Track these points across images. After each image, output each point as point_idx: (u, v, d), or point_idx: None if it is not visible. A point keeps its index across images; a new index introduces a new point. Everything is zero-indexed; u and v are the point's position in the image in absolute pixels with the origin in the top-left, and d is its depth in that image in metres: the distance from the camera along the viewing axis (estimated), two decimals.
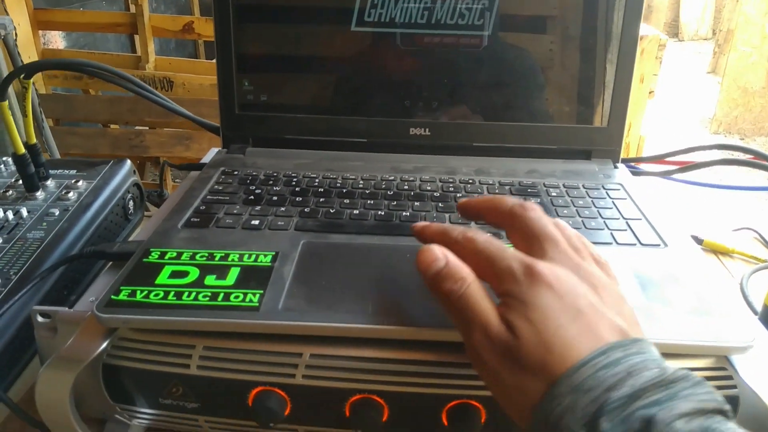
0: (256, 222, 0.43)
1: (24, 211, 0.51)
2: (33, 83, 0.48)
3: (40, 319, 0.36)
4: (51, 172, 0.57)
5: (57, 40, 2.13)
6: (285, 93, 0.56)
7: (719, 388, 0.34)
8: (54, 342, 0.36)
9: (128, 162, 0.60)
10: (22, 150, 0.51)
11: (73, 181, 0.56)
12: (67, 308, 0.36)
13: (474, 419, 0.34)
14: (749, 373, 0.33)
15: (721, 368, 0.34)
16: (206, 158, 0.57)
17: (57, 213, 0.51)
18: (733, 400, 0.35)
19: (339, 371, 0.34)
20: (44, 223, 0.50)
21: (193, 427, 0.37)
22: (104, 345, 0.34)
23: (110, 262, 0.43)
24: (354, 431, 0.35)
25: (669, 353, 0.34)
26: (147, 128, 1.81)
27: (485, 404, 0.34)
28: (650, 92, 1.29)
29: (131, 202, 0.58)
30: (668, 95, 3.84)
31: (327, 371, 0.34)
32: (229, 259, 0.38)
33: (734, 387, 0.35)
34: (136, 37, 2.05)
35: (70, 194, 0.54)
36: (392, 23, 0.53)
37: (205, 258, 0.38)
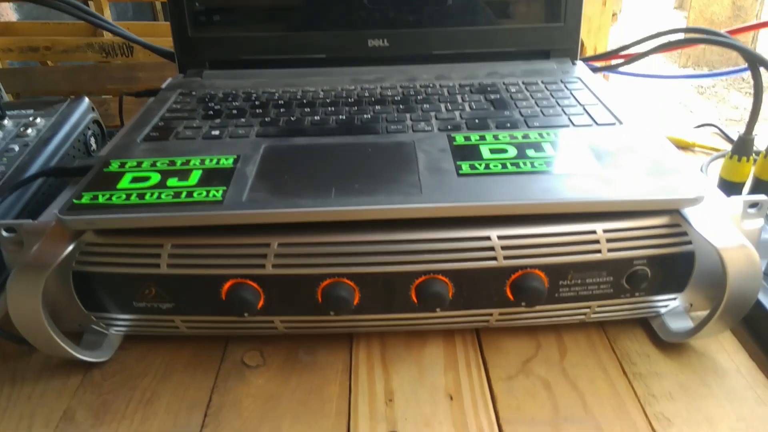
0: (217, 132, 0.43)
1: None
2: None
3: (4, 233, 0.36)
4: (7, 113, 0.56)
5: (8, 13, 2.06)
6: (238, 12, 0.55)
7: (675, 245, 0.36)
8: (21, 256, 0.36)
9: (86, 99, 0.59)
10: None
11: (30, 119, 0.55)
12: (31, 220, 0.36)
13: (442, 293, 0.35)
14: (703, 226, 0.34)
15: (676, 225, 0.35)
16: (163, 86, 0.56)
17: (17, 149, 0.51)
18: (689, 256, 0.36)
19: (307, 258, 0.35)
20: (4, 159, 0.49)
21: (170, 329, 0.38)
22: (70, 248, 0.34)
23: (70, 183, 0.42)
24: (328, 315, 0.36)
25: (625, 211, 0.35)
26: (111, 96, 1.77)
27: (452, 278, 0.35)
28: (613, 15, 1.29)
29: (92, 139, 0.57)
30: (636, 31, 3.83)
31: (296, 259, 0.35)
32: (191, 164, 0.38)
33: (689, 243, 0.36)
34: (91, 4, 1.98)
35: (29, 131, 0.53)
36: None
37: (166, 165, 0.38)
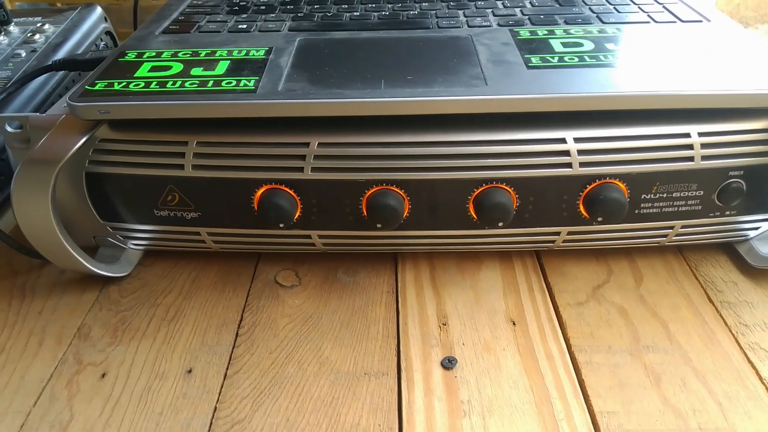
0: (244, 26, 0.38)
1: None
2: None
3: (9, 128, 0.32)
4: (14, 20, 0.51)
5: None
6: None
7: None
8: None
9: (98, 7, 0.54)
10: None
11: (38, 25, 0.50)
12: (38, 113, 0.31)
13: (506, 205, 0.30)
14: None
15: None
16: None
17: (23, 54, 0.46)
18: None
19: (352, 160, 0.30)
20: (10, 64, 0.45)
21: (196, 244, 0.34)
22: (82, 141, 0.29)
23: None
24: (373, 230, 0.32)
25: (723, 111, 0.30)
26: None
27: (517, 188, 0.31)
28: None
29: (105, 51, 0.52)
30: None
31: (338, 161, 0.30)
32: (217, 54, 0.33)
33: None
34: None
35: (37, 37, 0.48)
36: None
37: (188, 55, 0.33)
